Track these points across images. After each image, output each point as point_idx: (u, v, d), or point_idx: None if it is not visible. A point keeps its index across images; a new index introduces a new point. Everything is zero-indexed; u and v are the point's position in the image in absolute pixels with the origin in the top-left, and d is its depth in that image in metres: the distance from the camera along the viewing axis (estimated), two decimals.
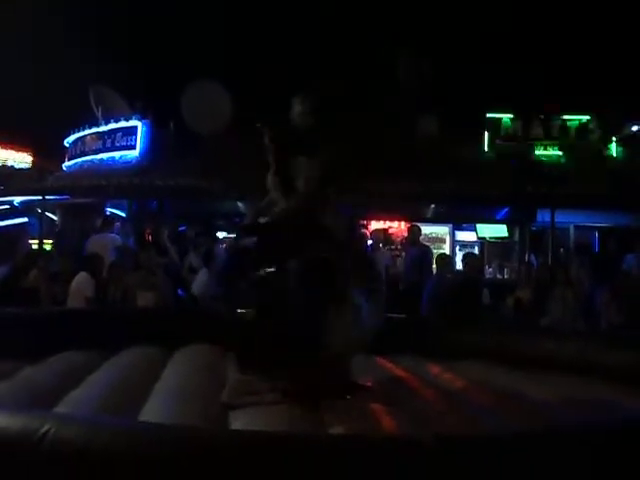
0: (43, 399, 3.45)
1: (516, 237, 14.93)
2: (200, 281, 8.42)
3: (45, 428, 1.97)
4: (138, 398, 3.50)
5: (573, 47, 16.89)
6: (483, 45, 17.01)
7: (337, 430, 2.82)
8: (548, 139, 14.93)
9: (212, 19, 18.94)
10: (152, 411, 3.23)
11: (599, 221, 14.85)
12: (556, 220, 13.67)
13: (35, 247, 13.02)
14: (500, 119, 15.07)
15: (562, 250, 14.36)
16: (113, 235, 10.16)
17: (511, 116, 15.00)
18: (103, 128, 16.67)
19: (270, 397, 3.35)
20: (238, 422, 3.05)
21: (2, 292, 8.03)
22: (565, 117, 14.94)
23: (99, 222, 11.83)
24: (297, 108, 4.16)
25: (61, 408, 3.27)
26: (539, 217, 14.15)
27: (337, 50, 17.32)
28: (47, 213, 18.10)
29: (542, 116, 14.93)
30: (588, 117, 14.87)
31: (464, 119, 14.32)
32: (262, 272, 3.54)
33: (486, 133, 15.05)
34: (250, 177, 4.31)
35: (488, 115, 15.05)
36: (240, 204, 13.59)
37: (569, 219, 14.60)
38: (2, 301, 6.87)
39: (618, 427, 2.39)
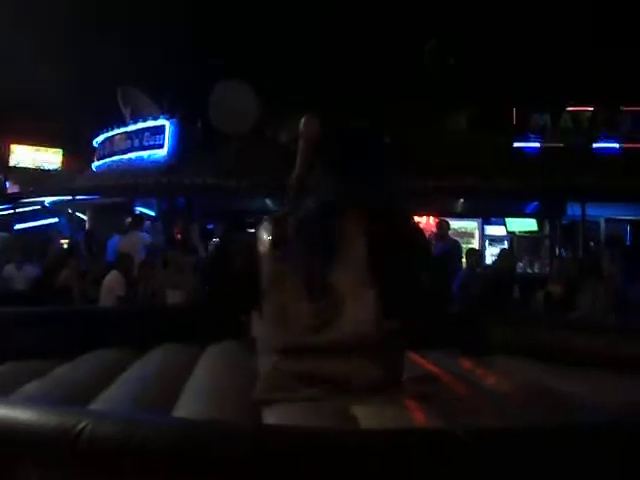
0: (76, 397, 3.47)
1: (546, 231, 14.81)
2: None
3: (82, 425, 1.98)
4: (171, 395, 3.52)
5: (603, 45, 16.67)
6: (511, 37, 16.85)
7: (369, 425, 2.81)
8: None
9: (243, 19, 18.98)
10: (185, 408, 3.24)
11: (630, 214, 14.67)
12: (587, 213, 13.53)
13: (66, 247, 13.19)
14: (530, 112, 14.96)
15: (593, 244, 14.20)
16: (142, 234, 10.25)
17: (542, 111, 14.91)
18: (131, 128, 16.85)
19: (304, 393, 3.34)
20: (271, 417, 3.05)
21: (35, 291, 8.15)
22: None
23: (130, 221, 11.96)
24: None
25: (94, 406, 3.30)
26: (569, 211, 14.03)
27: (366, 46, 17.28)
28: (77, 213, 18.31)
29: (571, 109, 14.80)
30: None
31: (494, 114, 14.23)
32: None
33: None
34: (277, 175, 4.28)
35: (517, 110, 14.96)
36: (268, 201, 13.62)
37: (600, 212, 14.45)
38: (35, 300, 6.98)
39: None
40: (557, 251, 13.70)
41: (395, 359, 3.61)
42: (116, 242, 10.83)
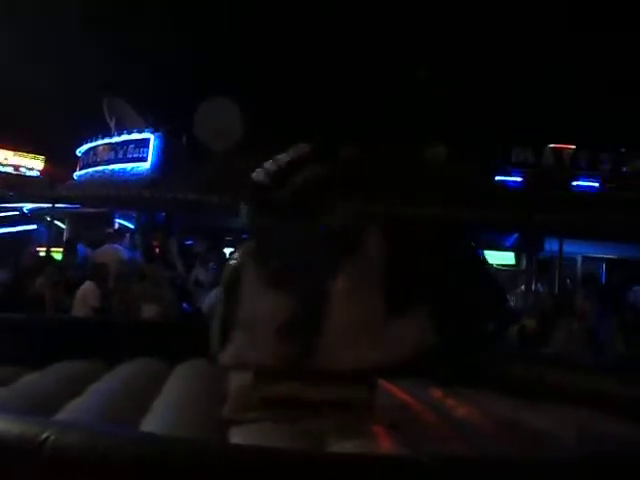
0: (43, 407, 3.43)
1: (523, 265, 14.91)
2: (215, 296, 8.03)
3: (45, 435, 1.96)
4: (138, 409, 3.49)
5: (586, 80, 16.94)
6: (497, 70, 17.08)
7: (336, 448, 2.80)
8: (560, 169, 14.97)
9: (229, 35, 19.08)
10: (152, 423, 3.21)
11: (607, 252, 14.83)
12: (564, 250, 13.66)
13: (42, 254, 13.07)
14: (511, 147, 15.13)
15: (569, 281, 14.33)
16: (118, 246, 10.19)
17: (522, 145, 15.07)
18: (115, 139, 16.79)
19: (272, 414, 3.33)
20: (238, 437, 3.04)
21: (7, 298, 8.06)
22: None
23: (109, 232, 11.91)
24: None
25: (61, 416, 3.26)
26: (547, 246, 14.15)
27: (352, 74, 17.42)
28: (56, 221, 18.18)
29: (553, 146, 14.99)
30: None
31: (474, 146, 14.37)
32: None
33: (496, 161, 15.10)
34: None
35: (498, 143, 15.12)
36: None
37: (577, 249, 14.59)
38: (7, 307, 6.89)
39: (620, 459, 2.37)
40: (533, 286, 13.80)
41: (368, 387, 3.62)
42: (83, 252, 10.80)
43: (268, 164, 3.67)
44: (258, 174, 3.71)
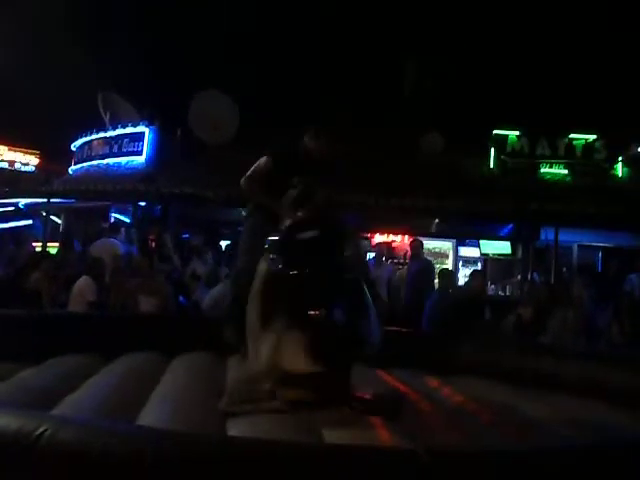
0: (40, 401, 3.44)
1: (519, 255, 14.92)
2: (217, 292, 8.02)
3: (41, 429, 1.97)
4: (136, 403, 3.50)
5: (581, 66, 16.93)
6: (490, 61, 17.06)
7: (333, 440, 2.82)
8: (554, 157, 14.94)
9: (224, 28, 19.03)
10: (149, 416, 3.22)
11: (603, 241, 14.84)
12: (560, 239, 13.67)
13: (39, 249, 13.05)
14: (506, 136, 15.10)
15: (565, 269, 14.34)
16: (116, 240, 10.17)
17: (517, 133, 15.03)
18: (110, 133, 16.75)
19: (268, 405, 3.34)
20: (235, 429, 3.05)
21: (4, 293, 8.05)
22: (572, 136, 14.96)
23: (105, 227, 11.89)
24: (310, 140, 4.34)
25: (58, 411, 3.27)
26: (543, 235, 14.15)
27: (344, 67, 17.39)
28: (52, 216, 18.15)
29: (548, 134, 14.96)
30: (594, 136, 14.88)
31: (470, 136, 14.35)
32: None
33: (492, 150, 15.07)
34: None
35: (494, 132, 15.08)
36: (244, 212, 13.58)
37: (573, 238, 14.60)
38: (3, 302, 6.89)
39: (615, 448, 2.39)
40: (529, 275, 13.81)
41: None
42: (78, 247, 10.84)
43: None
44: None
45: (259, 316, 3.49)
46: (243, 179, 4.58)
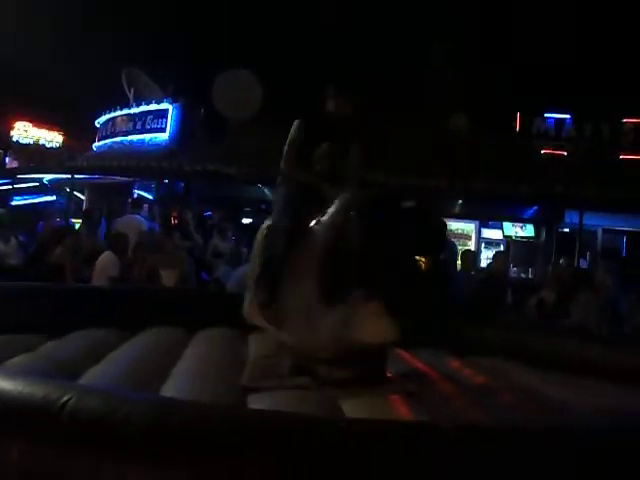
0: (64, 372, 3.48)
1: (542, 237, 14.79)
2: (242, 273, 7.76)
3: (66, 398, 2.00)
4: (158, 377, 3.52)
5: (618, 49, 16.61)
6: (517, 41, 16.82)
7: (354, 416, 2.82)
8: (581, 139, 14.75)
9: (249, 4, 18.94)
10: (171, 390, 3.24)
11: (628, 225, 14.66)
12: (584, 222, 13.51)
13: (62, 225, 13.14)
14: (534, 117, 14.93)
15: (589, 254, 14.19)
16: (140, 217, 10.21)
17: (545, 115, 14.87)
18: (134, 110, 16.77)
19: (291, 381, 3.35)
20: (256, 404, 3.06)
21: (27, 267, 8.13)
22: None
23: (128, 203, 11.95)
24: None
25: (81, 382, 3.30)
26: (567, 218, 14.01)
27: (368, 42, 17.24)
28: (75, 192, 18.27)
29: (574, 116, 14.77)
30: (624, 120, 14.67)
31: (495, 117, 14.21)
32: None
33: (517, 131, 14.92)
34: (276, 164, 4.33)
35: (519, 113, 14.93)
36: (267, 190, 13.57)
37: (597, 222, 14.42)
38: (28, 276, 6.95)
39: (634, 429, 2.37)
40: (552, 258, 13.69)
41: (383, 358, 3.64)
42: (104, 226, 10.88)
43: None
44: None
45: (320, 290, 3.41)
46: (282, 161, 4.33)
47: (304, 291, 3.45)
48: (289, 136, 4.20)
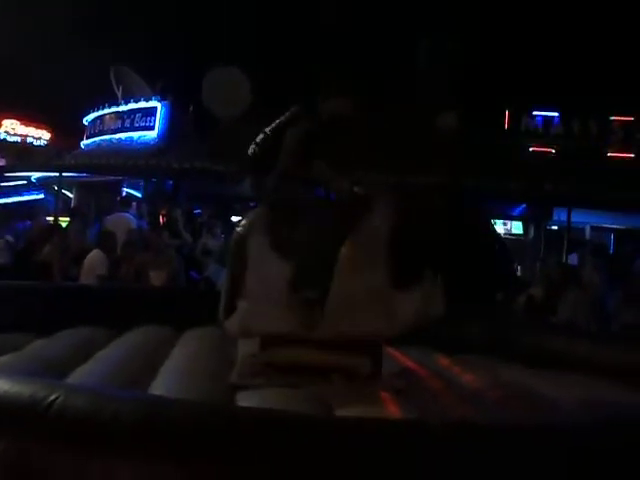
0: (52, 371, 3.46)
1: (531, 235, 14.85)
2: None
3: (53, 397, 1.99)
4: (146, 375, 3.52)
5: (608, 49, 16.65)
6: (507, 39, 16.84)
7: (343, 414, 2.82)
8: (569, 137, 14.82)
9: (239, 2, 18.88)
10: (159, 388, 3.24)
11: (616, 222, 14.73)
12: (572, 220, 13.58)
13: (50, 223, 13.08)
14: (523, 114, 14.98)
15: (577, 251, 14.24)
16: (128, 215, 10.18)
17: (534, 113, 14.92)
18: (123, 108, 16.72)
19: (280, 380, 3.35)
20: (245, 402, 3.05)
21: (14, 265, 8.09)
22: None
23: (117, 201, 11.91)
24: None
25: (69, 380, 3.28)
26: (555, 216, 14.06)
27: (359, 39, 17.23)
28: (63, 190, 18.19)
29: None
30: (612, 118, 14.73)
31: (485, 114, 14.23)
32: None
33: (506, 129, 14.96)
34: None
35: (509, 111, 14.97)
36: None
37: (586, 219, 14.49)
38: (16, 274, 6.91)
39: (623, 425, 2.38)
40: (541, 255, 13.73)
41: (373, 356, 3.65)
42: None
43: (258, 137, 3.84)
44: (250, 148, 3.95)
45: (390, 277, 3.45)
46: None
47: (374, 281, 3.47)
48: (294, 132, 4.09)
